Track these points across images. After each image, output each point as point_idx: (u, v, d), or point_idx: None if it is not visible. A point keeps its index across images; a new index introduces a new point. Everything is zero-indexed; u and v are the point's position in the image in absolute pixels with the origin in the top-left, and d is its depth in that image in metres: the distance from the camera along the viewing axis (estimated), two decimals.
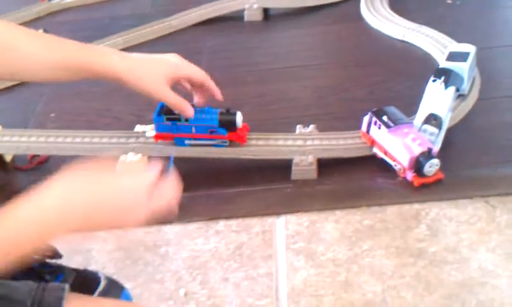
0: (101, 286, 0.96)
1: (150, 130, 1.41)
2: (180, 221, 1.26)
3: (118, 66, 1.09)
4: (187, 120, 1.30)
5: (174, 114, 1.29)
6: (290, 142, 1.36)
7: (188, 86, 1.23)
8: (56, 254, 0.94)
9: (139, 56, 1.14)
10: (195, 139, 1.34)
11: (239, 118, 1.32)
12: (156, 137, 1.35)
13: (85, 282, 0.97)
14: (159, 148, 1.36)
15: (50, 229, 0.71)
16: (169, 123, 1.32)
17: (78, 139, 1.41)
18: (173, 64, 1.18)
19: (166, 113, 1.31)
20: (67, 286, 0.74)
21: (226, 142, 1.33)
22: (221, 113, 1.31)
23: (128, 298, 1.00)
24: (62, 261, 0.92)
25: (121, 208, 0.76)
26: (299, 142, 1.36)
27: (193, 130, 1.32)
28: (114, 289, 0.98)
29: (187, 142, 1.34)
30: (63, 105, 1.69)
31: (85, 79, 1.08)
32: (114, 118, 1.58)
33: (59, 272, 0.97)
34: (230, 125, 1.32)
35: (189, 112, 1.21)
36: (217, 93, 1.25)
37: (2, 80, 1.76)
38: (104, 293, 0.95)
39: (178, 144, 1.35)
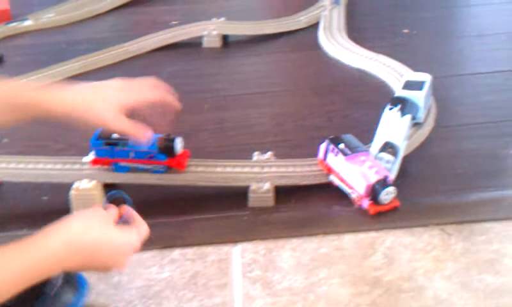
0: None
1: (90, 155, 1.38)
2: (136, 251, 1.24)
3: (69, 105, 1.08)
4: (125, 145, 1.29)
5: (112, 138, 1.28)
6: (247, 169, 1.36)
7: (144, 111, 1.21)
8: None
9: (86, 88, 1.12)
10: (133, 164, 1.32)
11: (178, 143, 1.31)
12: (93, 162, 1.34)
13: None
14: (113, 174, 1.34)
15: (51, 269, 0.85)
16: (107, 147, 1.31)
17: (31, 165, 1.38)
18: (122, 96, 1.16)
19: (104, 137, 1.29)
20: None
21: (164, 168, 1.32)
22: (160, 139, 1.30)
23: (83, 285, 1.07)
24: None
25: (115, 258, 0.92)
26: (256, 169, 1.36)
27: (131, 155, 1.31)
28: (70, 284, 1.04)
29: (124, 166, 1.32)
30: (16, 130, 1.66)
31: (32, 119, 1.07)
32: (68, 143, 1.56)
33: None
34: (169, 151, 1.31)
35: (141, 138, 1.18)
36: (175, 103, 1.23)
37: None
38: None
39: (117, 170, 1.33)
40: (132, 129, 1.16)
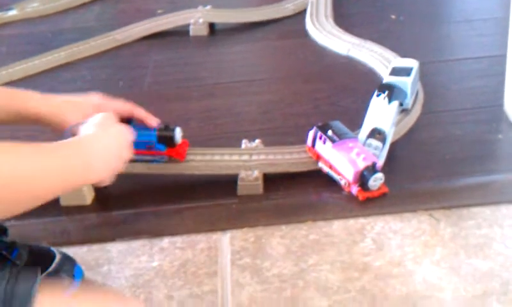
0: (56, 260, 1.07)
1: None
2: (124, 239, 1.23)
3: (40, 108, 1.11)
4: None
5: None
6: (235, 157, 1.35)
7: None
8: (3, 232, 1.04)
9: (62, 98, 1.16)
10: (133, 154, 1.31)
11: (178, 133, 1.30)
12: None
13: (39, 257, 1.06)
14: None
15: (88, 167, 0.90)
16: None
17: None
18: (96, 103, 1.19)
19: None
20: (39, 279, 0.77)
21: (164, 158, 1.32)
22: (160, 129, 1.30)
23: (80, 272, 1.12)
24: None
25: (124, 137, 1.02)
26: (245, 157, 1.35)
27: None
28: (68, 264, 1.09)
29: None
30: None
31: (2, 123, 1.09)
32: (54, 134, 1.54)
33: (14, 247, 1.03)
34: (168, 141, 1.30)
35: None
36: (150, 120, 1.26)
37: None
38: (59, 268, 1.06)
39: None
40: None
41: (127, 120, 1.22)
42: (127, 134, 1.04)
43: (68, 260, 1.10)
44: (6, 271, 0.75)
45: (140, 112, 1.26)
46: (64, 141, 0.90)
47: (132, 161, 1.31)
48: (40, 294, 0.75)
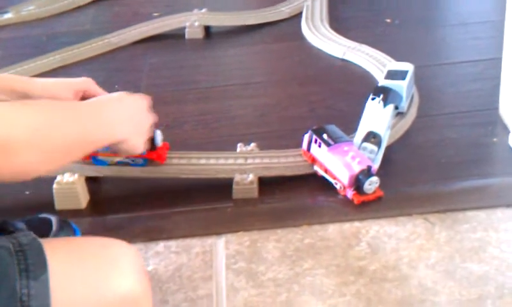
0: (53, 223, 1.13)
1: None
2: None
3: (31, 87, 1.13)
4: None
5: None
6: (230, 161, 1.35)
7: None
8: None
9: (51, 79, 1.21)
10: (112, 157, 1.31)
11: (159, 136, 1.30)
12: None
13: (38, 226, 1.10)
14: (95, 168, 1.33)
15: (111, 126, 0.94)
16: None
17: None
18: (81, 81, 1.22)
19: None
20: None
21: (144, 161, 1.31)
22: None
23: (78, 232, 1.17)
24: None
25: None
26: (240, 161, 1.35)
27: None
28: (65, 225, 1.15)
29: (102, 160, 1.32)
30: None
31: None
32: None
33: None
34: (148, 144, 1.30)
35: None
36: None
37: None
38: (59, 229, 1.13)
39: (96, 163, 1.32)
40: None
41: None
42: (144, 100, 1.08)
43: (64, 222, 1.16)
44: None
45: None
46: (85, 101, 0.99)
47: (113, 164, 1.31)
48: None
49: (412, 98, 1.51)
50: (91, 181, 1.36)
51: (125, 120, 0.99)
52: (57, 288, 0.74)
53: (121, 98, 1.02)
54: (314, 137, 1.32)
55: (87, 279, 0.79)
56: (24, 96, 1.11)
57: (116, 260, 0.82)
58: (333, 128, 1.34)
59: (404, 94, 1.43)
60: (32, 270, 0.74)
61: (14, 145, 0.75)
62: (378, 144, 1.32)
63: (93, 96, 1.17)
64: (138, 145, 1.03)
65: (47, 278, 0.74)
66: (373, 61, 1.71)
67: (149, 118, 1.08)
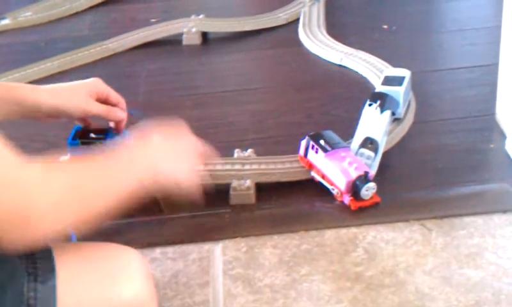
0: None
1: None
2: None
3: (39, 94, 1.09)
4: (102, 144, 1.28)
5: (90, 138, 1.26)
6: (228, 167, 1.35)
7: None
8: None
9: (58, 85, 1.15)
10: None
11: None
12: None
13: None
14: None
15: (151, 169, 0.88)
16: (84, 147, 1.29)
17: None
18: (92, 81, 1.17)
19: (82, 137, 1.28)
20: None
21: None
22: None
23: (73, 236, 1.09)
24: None
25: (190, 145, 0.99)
26: (237, 167, 1.35)
27: None
28: None
29: None
30: None
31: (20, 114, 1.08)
32: (46, 142, 1.54)
33: None
34: None
35: (118, 114, 1.18)
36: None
37: None
38: None
39: None
40: (103, 109, 1.16)
41: (105, 130, 1.21)
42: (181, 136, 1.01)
43: None
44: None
45: (123, 107, 1.22)
46: (117, 153, 0.88)
47: None
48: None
49: (409, 104, 1.51)
50: None
51: (169, 165, 0.91)
52: (64, 292, 0.75)
53: (154, 140, 0.93)
54: (311, 143, 1.32)
55: (94, 284, 0.79)
56: (36, 106, 1.09)
57: (123, 266, 0.82)
58: (330, 134, 1.34)
59: (401, 100, 1.43)
60: (41, 274, 0.74)
61: (35, 217, 0.71)
62: (375, 150, 1.32)
63: (106, 97, 1.16)
64: (188, 179, 0.94)
65: (54, 283, 0.74)
66: (370, 67, 1.72)
67: (191, 150, 0.99)
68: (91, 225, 0.79)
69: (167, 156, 0.92)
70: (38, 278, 0.74)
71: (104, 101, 1.17)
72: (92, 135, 1.25)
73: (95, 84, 1.17)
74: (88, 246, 0.87)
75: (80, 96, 1.14)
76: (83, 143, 1.28)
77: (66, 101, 1.12)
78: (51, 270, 0.75)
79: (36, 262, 0.75)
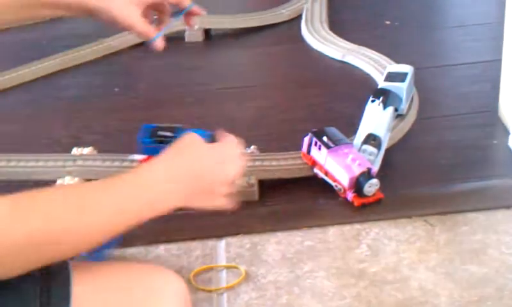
0: None
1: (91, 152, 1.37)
2: (120, 246, 1.23)
3: None
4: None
5: (165, 136, 1.25)
6: None
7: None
8: None
9: None
10: None
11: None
12: (145, 160, 1.30)
13: None
14: (96, 171, 1.33)
15: (152, 206, 0.76)
16: (158, 145, 1.28)
17: (13, 163, 1.37)
18: None
19: (152, 136, 1.27)
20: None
21: None
22: (213, 136, 1.27)
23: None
24: None
25: (212, 186, 0.81)
26: None
27: None
28: None
29: None
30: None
31: (45, 14, 1.03)
32: (51, 140, 1.55)
33: None
34: None
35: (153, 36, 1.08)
36: (198, 10, 1.14)
37: None
38: None
39: None
40: (145, 29, 1.07)
41: (175, 128, 1.21)
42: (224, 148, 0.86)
43: None
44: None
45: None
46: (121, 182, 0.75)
47: None
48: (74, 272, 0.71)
49: (412, 100, 1.51)
50: None
51: (184, 187, 0.79)
52: None
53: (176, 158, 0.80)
54: (314, 139, 1.32)
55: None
56: (83, 7, 1.01)
57: (154, 289, 0.75)
58: (333, 130, 1.34)
59: (403, 97, 1.43)
60: (54, 302, 0.69)
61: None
62: (378, 146, 1.32)
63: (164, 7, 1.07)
64: (215, 204, 0.84)
65: None
66: (373, 63, 1.71)
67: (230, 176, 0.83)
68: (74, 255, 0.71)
69: (196, 190, 0.80)
70: None
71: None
72: (162, 133, 1.24)
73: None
74: (113, 267, 0.79)
75: (130, 6, 1.04)
76: (158, 142, 1.27)
77: (114, 7, 1.02)
78: (66, 299, 0.69)
79: (51, 289, 0.69)
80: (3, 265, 0.65)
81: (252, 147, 1.40)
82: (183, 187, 0.78)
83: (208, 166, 0.81)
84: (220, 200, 0.84)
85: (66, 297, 0.70)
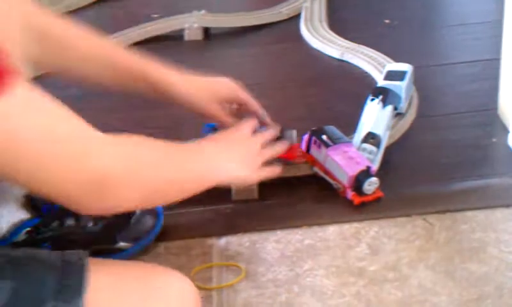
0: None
1: None
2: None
3: (174, 76, 1.14)
4: None
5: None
6: None
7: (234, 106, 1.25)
8: None
9: (196, 77, 1.20)
10: None
11: (294, 135, 1.31)
12: None
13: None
14: None
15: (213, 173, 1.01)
16: None
17: None
18: (230, 86, 1.21)
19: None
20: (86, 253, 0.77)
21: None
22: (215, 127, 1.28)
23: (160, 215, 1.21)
24: None
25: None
26: None
27: None
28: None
29: None
30: None
31: (132, 88, 1.11)
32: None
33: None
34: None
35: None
36: (268, 121, 1.29)
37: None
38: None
39: None
40: (228, 121, 1.20)
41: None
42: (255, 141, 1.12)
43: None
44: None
45: (261, 112, 1.28)
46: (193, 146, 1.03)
47: None
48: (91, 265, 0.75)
49: (411, 98, 1.51)
50: None
51: (231, 164, 1.04)
52: None
53: (230, 142, 1.07)
54: (313, 138, 1.32)
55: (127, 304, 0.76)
56: (163, 90, 1.12)
57: (161, 289, 0.78)
58: (332, 129, 1.34)
59: (403, 95, 1.44)
60: (68, 292, 0.71)
61: (111, 181, 0.72)
62: (377, 144, 1.32)
63: (245, 104, 1.22)
64: (246, 180, 1.12)
65: (81, 303, 0.71)
66: (372, 62, 1.72)
67: (258, 158, 1.11)
68: (159, 200, 0.90)
69: (230, 157, 1.04)
70: (65, 297, 0.71)
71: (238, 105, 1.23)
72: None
73: (232, 91, 1.21)
74: (126, 265, 0.84)
75: (209, 98, 1.17)
76: None
77: (196, 98, 1.16)
78: (79, 290, 0.71)
79: (67, 278, 0.72)
80: (124, 187, 0.74)
81: None
82: (232, 158, 1.04)
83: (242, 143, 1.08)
84: (259, 171, 1.09)
85: (79, 288, 0.72)
